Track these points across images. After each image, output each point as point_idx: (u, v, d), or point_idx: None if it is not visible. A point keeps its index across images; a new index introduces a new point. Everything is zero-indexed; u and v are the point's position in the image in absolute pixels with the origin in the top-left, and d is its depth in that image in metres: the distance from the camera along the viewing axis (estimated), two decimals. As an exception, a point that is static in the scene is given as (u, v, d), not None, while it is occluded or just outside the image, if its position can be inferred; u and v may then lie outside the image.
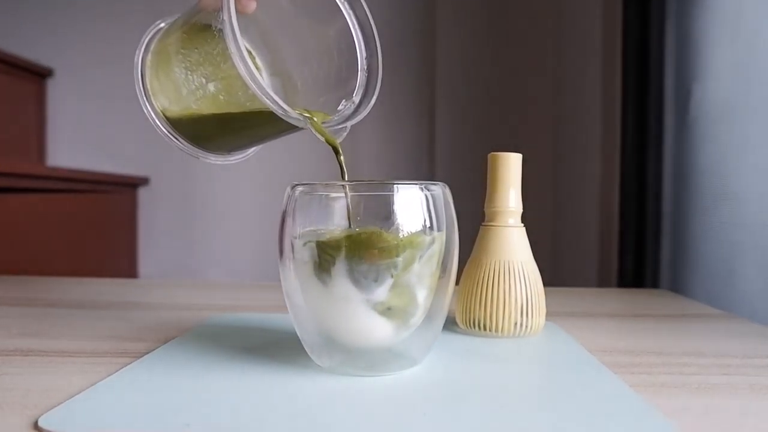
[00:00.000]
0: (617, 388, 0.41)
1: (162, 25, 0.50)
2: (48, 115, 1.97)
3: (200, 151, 0.51)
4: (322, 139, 0.46)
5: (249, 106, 0.46)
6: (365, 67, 0.50)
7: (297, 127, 0.46)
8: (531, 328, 0.56)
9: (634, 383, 0.42)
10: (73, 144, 1.98)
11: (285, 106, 0.42)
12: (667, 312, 0.73)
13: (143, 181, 1.97)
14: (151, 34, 0.49)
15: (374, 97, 0.49)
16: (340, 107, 0.49)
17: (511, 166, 0.56)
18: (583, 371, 0.45)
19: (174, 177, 1.99)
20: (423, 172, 1.84)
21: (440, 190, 0.44)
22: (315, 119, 0.46)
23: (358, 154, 1.85)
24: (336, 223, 0.43)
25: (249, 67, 0.40)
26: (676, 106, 1.09)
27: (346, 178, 0.47)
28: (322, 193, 0.43)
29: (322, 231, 0.42)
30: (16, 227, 1.44)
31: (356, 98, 0.49)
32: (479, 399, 0.38)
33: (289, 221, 0.43)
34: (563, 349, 0.52)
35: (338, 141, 0.47)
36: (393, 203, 0.41)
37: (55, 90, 1.98)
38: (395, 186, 0.42)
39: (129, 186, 1.94)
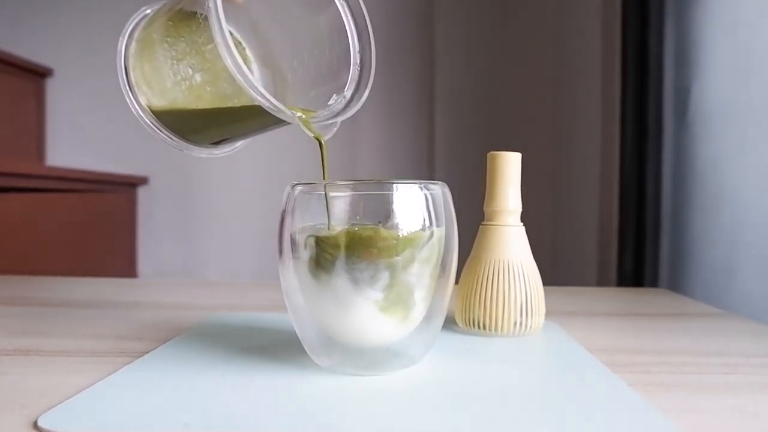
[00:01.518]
0: (616, 388, 0.41)
1: (148, 11, 0.47)
2: (47, 114, 1.97)
3: (186, 143, 0.49)
4: (310, 134, 0.45)
5: (235, 101, 0.44)
6: (358, 61, 0.48)
7: (285, 121, 0.44)
8: (530, 327, 0.56)
9: (634, 382, 0.42)
10: (72, 144, 1.98)
11: (273, 101, 0.41)
12: (667, 311, 0.73)
13: (142, 181, 1.97)
14: (136, 20, 0.47)
15: (366, 92, 0.47)
16: (330, 102, 0.47)
17: (510, 165, 0.56)
18: (582, 370, 0.45)
19: (173, 176, 1.99)
20: (422, 172, 1.84)
21: (440, 190, 0.44)
22: (303, 115, 0.44)
23: (357, 153, 1.85)
24: (335, 220, 0.43)
25: (236, 59, 0.39)
26: (675, 105, 1.09)
27: (326, 176, 0.46)
28: (321, 192, 0.43)
29: (321, 226, 0.42)
30: (16, 227, 1.44)
31: (347, 93, 0.47)
32: (478, 398, 0.38)
33: (288, 220, 0.43)
34: (562, 349, 0.52)
35: (327, 136, 0.46)
36: (392, 202, 0.41)
37: (54, 90, 1.98)
38: (394, 185, 0.42)
39: (128, 185, 1.94)
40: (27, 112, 1.89)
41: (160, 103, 0.47)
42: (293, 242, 0.43)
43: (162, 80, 0.46)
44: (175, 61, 0.45)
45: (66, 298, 0.75)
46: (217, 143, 0.51)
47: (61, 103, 1.98)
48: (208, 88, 0.45)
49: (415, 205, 0.42)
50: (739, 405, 0.39)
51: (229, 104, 0.45)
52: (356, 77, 0.48)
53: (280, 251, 0.44)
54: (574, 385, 0.42)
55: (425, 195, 0.43)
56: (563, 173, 1.63)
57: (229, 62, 0.39)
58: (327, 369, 0.44)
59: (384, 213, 0.41)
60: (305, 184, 0.43)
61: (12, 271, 1.27)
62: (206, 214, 2.00)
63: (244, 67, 0.39)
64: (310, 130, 0.45)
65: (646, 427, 0.34)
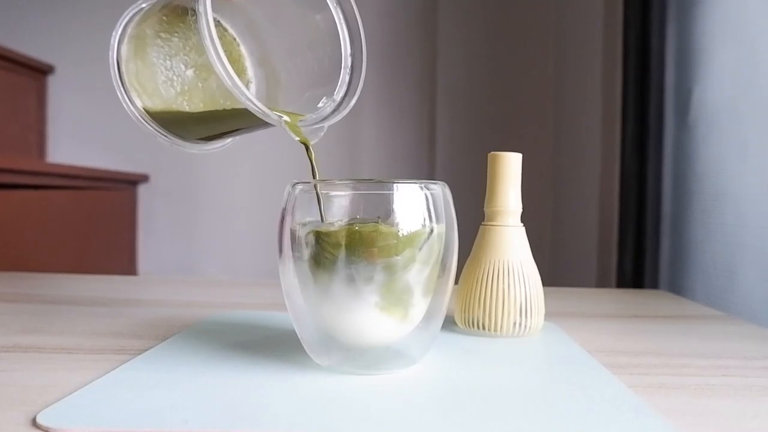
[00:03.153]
0: (616, 389, 0.41)
1: (144, 5, 0.47)
2: (48, 111, 1.97)
3: (177, 139, 0.49)
4: (296, 138, 0.45)
5: (225, 102, 0.44)
6: (349, 65, 0.48)
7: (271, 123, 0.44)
8: (530, 328, 0.56)
9: (633, 384, 0.42)
10: (73, 141, 1.99)
11: (258, 104, 0.41)
12: (667, 313, 0.73)
13: (143, 178, 1.97)
14: (130, 15, 0.47)
15: (355, 97, 0.47)
16: (320, 105, 0.47)
17: (511, 165, 0.56)
18: (582, 372, 0.45)
19: (174, 174, 1.99)
20: (423, 172, 1.84)
21: (440, 189, 0.44)
22: (288, 119, 0.44)
23: (358, 152, 1.85)
24: (335, 218, 0.43)
25: (223, 61, 0.39)
26: (676, 107, 1.09)
27: (317, 176, 0.46)
28: (322, 191, 0.43)
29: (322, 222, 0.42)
30: (16, 224, 1.44)
31: (337, 97, 0.47)
32: (477, 398, 0.38)
33: (288, 219, 0.43)
34: (562, 350, 0.52)
35: (315, 140, 0.46)
36: (393, 202, 0.41)
37: (55, 86, 1.98)
38: (395, 185, 0.42)
39: (129, 183, 1.94)
40: (28, 108, 1.89)
41: (151, 100, 0.47)
42: (294, 237, 0.43)
43: (153, 78, 0.46)
44: (166, 59, 0.45)
45: (66, 295, 0.75)
46: (206, 139, 0.51)
47: (63, 99, 1.98)
48: (198, 88, 0.45)
49: (415, 205, 0.42)
50: (740, 407, 0.39)
51: (219, 104, 0.45)
52: (346, 81, 0.48)
53: (280, 250, 0.44)
54: (573, 386, 0.42)
55: (426, 195, 0.43)
56: (564, 174, 1.63)
57: (217, 64, 0.39)
58: (326, 368, 0.44)
59: (384, 212, 0.41)
60: (305, 182, 0.43)
61: (12, 267, 1.28)
62: (207, 211, 2.00)
63: (231, 71, 0.39)
64: (296, 134, 0.45)
65: (646, 429, 0.34)
